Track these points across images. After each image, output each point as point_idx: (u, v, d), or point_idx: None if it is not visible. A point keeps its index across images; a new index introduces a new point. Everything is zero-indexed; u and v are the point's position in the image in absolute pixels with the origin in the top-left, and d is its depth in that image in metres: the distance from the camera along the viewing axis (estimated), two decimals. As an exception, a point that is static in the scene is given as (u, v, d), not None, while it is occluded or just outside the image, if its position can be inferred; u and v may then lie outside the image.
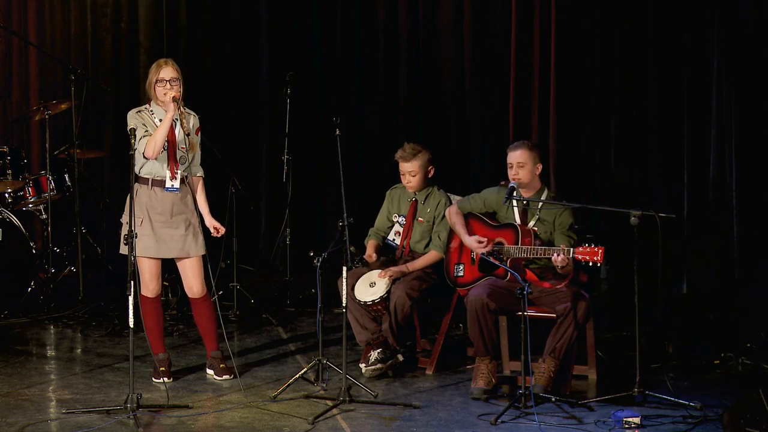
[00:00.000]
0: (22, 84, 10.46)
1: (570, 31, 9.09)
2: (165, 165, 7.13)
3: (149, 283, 7.24)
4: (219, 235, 7.33)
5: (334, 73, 10.69)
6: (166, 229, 7.17)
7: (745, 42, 8.51)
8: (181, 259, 7.25)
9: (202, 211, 7.31)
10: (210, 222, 7.29)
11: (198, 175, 7.30)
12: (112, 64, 10.72)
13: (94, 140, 10.48)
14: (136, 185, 7.16)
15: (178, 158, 7.16)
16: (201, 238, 7.26)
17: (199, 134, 7.30)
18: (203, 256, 7.29)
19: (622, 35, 8.95)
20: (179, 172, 7.16)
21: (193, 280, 7.27)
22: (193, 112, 7.31)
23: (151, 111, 7.19)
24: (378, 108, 10.53)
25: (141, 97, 10.66)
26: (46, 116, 9.27)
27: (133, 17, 10.75)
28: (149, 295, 7.25)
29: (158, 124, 7.11)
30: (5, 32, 10.15)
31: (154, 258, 7.19)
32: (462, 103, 10.01)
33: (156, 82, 7.14)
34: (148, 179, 7.17)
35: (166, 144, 7.09)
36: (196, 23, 10.84)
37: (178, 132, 7.15)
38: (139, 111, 7.21)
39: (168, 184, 7.16)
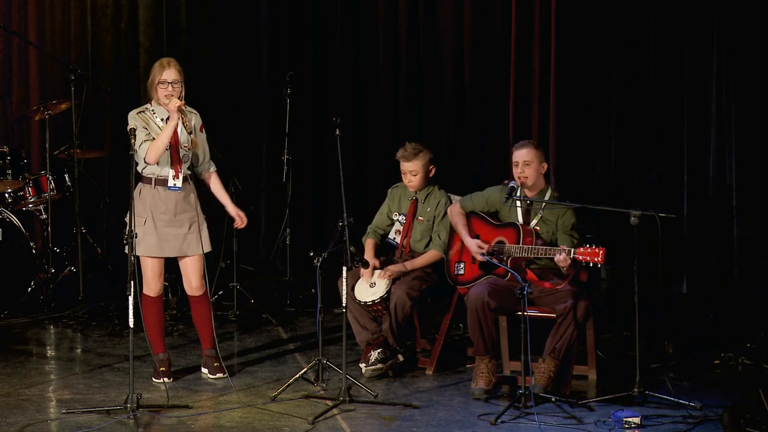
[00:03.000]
0: (22, 84, 10.45)
1: (570, 31, 9.09)
2: (168, 165, 7.14)
3: (151, 282, 7.24)
4: (243, 226, 7.36)
5: (334, 73, 10.69)
6: (169, 228, 7.18)
7: (745, 42, 8.50)
8: (183, 257, 7.26)
9: (223, 203, 7.37)
10: (235, 211, 7.33)
11: (211, 171, 7.35)
12: (112, 64, 10.72)
13: (94, 140, 10.48)
14: (140, 185, 7.19)
15: (181, 157, 7.17)
16: (205, 235, 7.28)
17: (203, 131, 7.32)
18: (204, 255, 7.31)
19: (622, 35, 8.95)
20: (182, 171, 7.17)
21: (192, 278, 7.29)
22: (193, 110, 7.31)
23: (153, 111, 7.20)
24: (378, 108, 10.53)
25: (141, 97, 10.68)
26: (46, 116, 9.27)
27: (133, 17, 10.74)
28: (151, 294, 7.26)
29: (159, 123, 7.12)
30: (5, 32, 10.15)
31: (157, 257, 7.20)
32: (462, 103, 10.01)
33: (158, 83, 7.15)
34: (151, 179, 7.18)
35: (168, 145, 7.10)
36: (196, 23, 10.84)
37: (181, 131, 7.16)
38: (140, 111, 7.21)
39: (171, 183, 7.16)
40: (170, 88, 7.12)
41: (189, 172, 7.25)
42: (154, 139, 7.08)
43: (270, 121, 10.81)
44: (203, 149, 7.31)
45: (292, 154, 9.62)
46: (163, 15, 10.76)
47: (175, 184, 7.17)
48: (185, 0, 10.82)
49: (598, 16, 9.02)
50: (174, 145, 7.13)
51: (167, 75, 7.14)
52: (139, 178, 7.20)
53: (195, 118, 7.29)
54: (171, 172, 7.15)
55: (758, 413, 6.12)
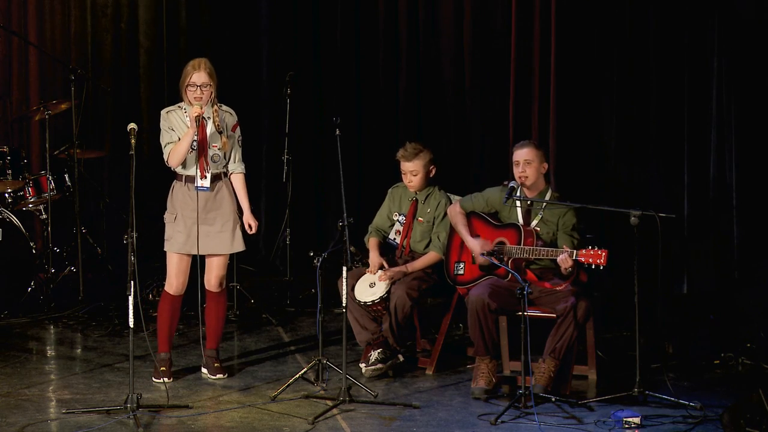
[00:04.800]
0: (22, 84, 10.45)
1: (570, 31, 9.08)
2: (195, 165, 7.12)
3: (173, 280, 7.23)
4: (252, 233, 7.33)
5: (334, 73, 10.68)
6: (200, 225, 7.15)
7: (745, 42, 8.50)
8: (210, 255, 7.24)
9: (242, 206, 7.33)
10: (247, 219, 7.29)
11: (238, 171, 7.31)
12: (112, 64, 10.72)
13: (94, 140, 10.48)
14: (174, 181, 7.22)
15: (210, 156, 7.14)
16: (238, 235, 7.26)
17: (237, 131, 7.29)
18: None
19: (622, 35, 8.94)
20: (210, 171, 7.14)
21: (212, 275, 7.29)
22: (230, 110, 7.29)
23: (185, 110, 7.17)
24: (378, 108, 10.52)
25: (141, 97, 10.71)
26: (46, 116, 9.26)
27: (133, 17, 10.74)
28: (171, 292, 7.25)
29: (189, 124, 7.10)
30: (5, 32, 10.15)
31: (183, 255, 7.19)
32: (462, 103, 10.00)
33: (187, 85, 7.12)
34: (182, 176, 7.18)
35: (195, 144, 7.08)
36: (196, 23, 10.83)
37: (210, 130, 7.13)
38: (170, 111, 7.20)
39: (198, 182, 7.14)
40: (199, 91, 7.09)
41: (222, 171, 7.23)
42: (179, 139, 7.09)
43: (270, 121, 10.81)
44: (231, 149, 7.27)
45: (292, 154, 9.61)
46: (163, 15, 10.76)
47: (202, 184, 7.14)
48: (185, 0, 10.82)
49: (598, 16, 9.01)
50: (201, 145, 7.10)
51: (196, 78, 7.11)
52: (174, 175, 7.21)
53: (229, 117, 7.26)
54: (197, 172, 7.13)
55: (758, 413, 6.12)
